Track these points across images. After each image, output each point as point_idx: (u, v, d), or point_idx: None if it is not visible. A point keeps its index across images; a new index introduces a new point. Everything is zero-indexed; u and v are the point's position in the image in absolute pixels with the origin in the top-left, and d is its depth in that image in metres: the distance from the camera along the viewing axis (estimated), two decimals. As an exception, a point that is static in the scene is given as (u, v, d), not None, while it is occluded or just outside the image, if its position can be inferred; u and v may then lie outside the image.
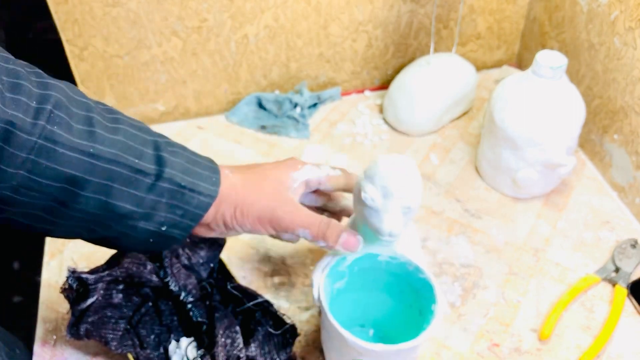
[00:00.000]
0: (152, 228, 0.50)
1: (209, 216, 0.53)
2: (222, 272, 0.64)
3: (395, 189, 0.51)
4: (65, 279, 0.58)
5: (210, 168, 0.54)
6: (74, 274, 0.58)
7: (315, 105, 0.93)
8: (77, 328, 0.57)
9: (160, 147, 0.51)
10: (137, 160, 0.48)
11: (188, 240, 0.63)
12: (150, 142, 0.51)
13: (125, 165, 0.48)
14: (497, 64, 1.02)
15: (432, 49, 0.90)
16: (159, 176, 0.49)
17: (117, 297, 0.59)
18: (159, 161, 0.50)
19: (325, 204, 0.63)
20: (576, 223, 0.76)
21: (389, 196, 0.51)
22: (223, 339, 0.57)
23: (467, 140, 0.88)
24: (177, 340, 0.60)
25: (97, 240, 0.52)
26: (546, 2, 0.90)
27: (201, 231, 0.54)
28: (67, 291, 0.58)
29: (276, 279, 0.70)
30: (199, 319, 0.59)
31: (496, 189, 0.80)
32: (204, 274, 0.63)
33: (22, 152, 0.43)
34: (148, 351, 0.59)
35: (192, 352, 0.59)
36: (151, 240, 0.51)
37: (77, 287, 0.58)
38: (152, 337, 0.60)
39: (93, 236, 0.51)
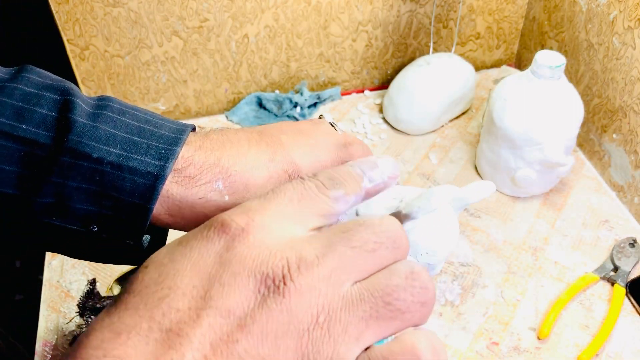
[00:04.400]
0: (76, 228, 0.34)
1: (164, 207, 0.34)
2: None
3: None
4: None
5: (170, 128, 0.36)
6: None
7: (315, 104, 0.94)
8: None
9: (72, 107, 0.34)
10: (24, 126, 0.33)
11: None
12: (52, 102, 0.34)
13: (2, 133, 0.33)
14: (496, 64, 1.02)
15: (431, 49, 0.90)
16: (58, 147, 0.33)
17: None
18: (61, 125, 0.34)
19: None
20: (575, 222, 0.77)
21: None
22: None
23: (467, 140, 0.88)
24: None
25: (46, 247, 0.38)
26: (545, 2, 0.90)
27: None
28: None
29: None
30: None
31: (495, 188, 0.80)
32: None
33: None
34: None
35: None
36: (92, 246, 0.36)
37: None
38: None
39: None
